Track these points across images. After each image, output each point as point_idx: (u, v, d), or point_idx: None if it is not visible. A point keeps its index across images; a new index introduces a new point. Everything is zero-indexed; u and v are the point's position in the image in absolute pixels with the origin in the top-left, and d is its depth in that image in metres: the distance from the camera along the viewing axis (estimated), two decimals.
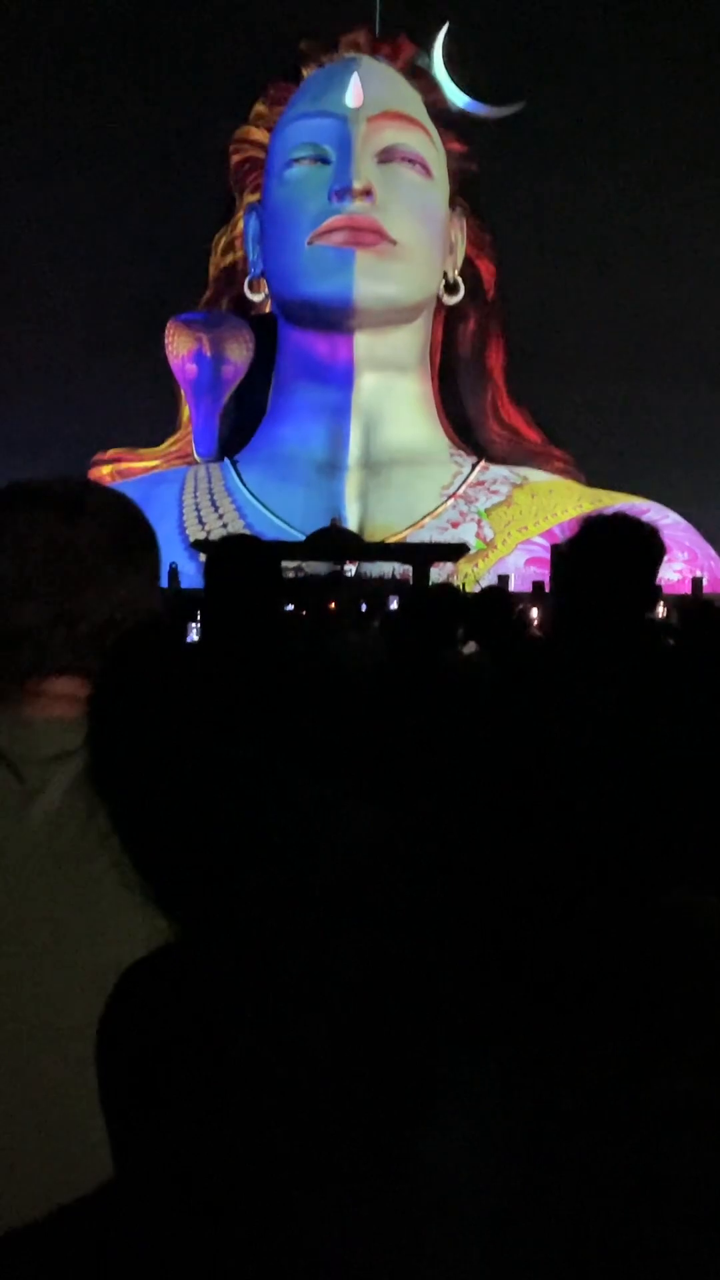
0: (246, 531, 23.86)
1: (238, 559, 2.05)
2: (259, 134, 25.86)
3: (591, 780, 1.26)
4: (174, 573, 21.65)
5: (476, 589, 22.24)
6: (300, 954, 0.92)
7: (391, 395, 25.35)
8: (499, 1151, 1.06)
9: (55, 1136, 1.03)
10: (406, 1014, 0.99)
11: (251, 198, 26.09)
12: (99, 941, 1.00)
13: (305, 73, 25.46)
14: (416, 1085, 1.03)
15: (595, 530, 2.04)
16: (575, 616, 2.07)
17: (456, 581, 22.59)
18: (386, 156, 24.24)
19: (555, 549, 20.42)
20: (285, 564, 21.39)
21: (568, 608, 2.14)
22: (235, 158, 26.24)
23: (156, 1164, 0.90)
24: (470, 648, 3.83)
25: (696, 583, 21.50)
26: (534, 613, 8.57)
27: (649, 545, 2.01)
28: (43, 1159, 1.04)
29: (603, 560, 2.00)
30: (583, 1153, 1.01)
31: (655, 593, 2.16)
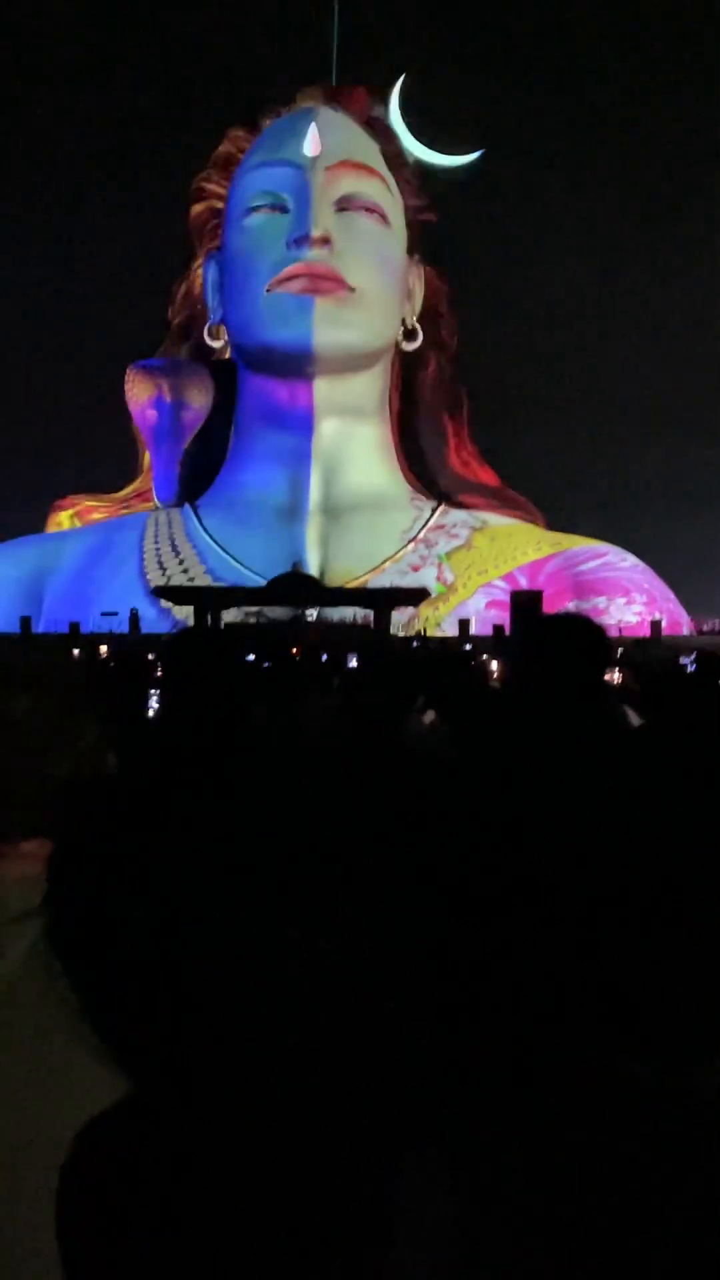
0: (209, 580, 23.87)
1: (196, 655, 2.06)
2: (217, 184, 26.08)
3: (553, 896, 1.28)
4: (134, 618, 21.60)
5: (438, 632, 22.28)
6: (256, 1110, 0.93)
7: (351, 440, 25.50)
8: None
9: None
10: (363, 1158, 1.00)
11: (210, 245, 26.27)
12: (56, 1104, 1.00)
13: (264, 123, 25.71)
14: (376, 1217, 1.04)
15: (541, 633, 2.06)
16: (530, 713, 2.09)
17: (418, 625, 22.65)
18: (344, 205, 24.49)
19: (514, 596, 20.51)
20: (246, 609, 21.40)
21: (522, 703, 2.17)
22: (194, 206, 26.43)
23: None
24: (429, 715, 3.85)
25: (655, 625, 21.65)
26: (494, 665, 8.60)
27: (595, 645, 2.04)
28: None
29: (550, 665, 2.02)
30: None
31: (602, 689, 2.19)
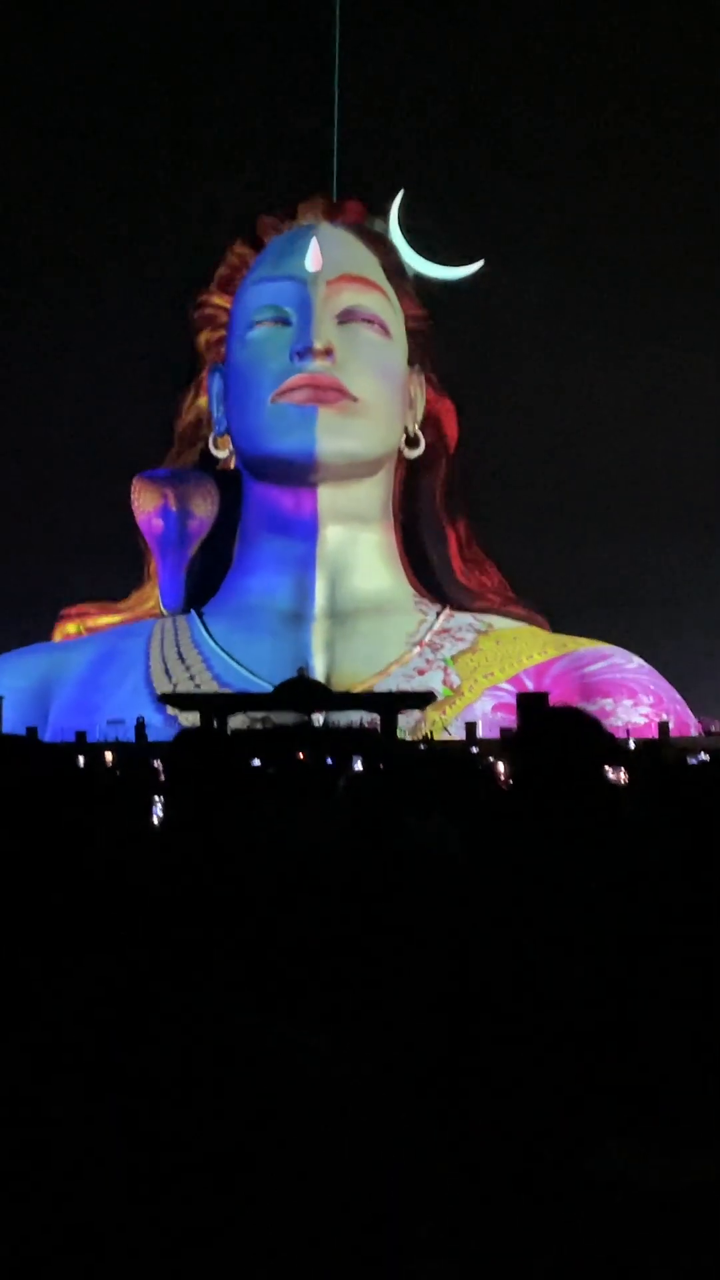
0: (215, 686, 23.89)
1: (197, 754, 2.07)
2: (221, 298, 26.59)
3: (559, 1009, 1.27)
4: (141, 726, 21.59)
5: (445, 735, 22.28)
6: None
7: (355, 546, 25.67)
8: None
9: None
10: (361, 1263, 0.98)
11: (214, 358, 26.72)
12: None
13: (265, 239, 26.29)
14: None
15: (538, 726, 2.07)
16: (533, 810, 2.09)
17: (425, 728, 22.61)
18: (345, 317, 24.94)
19: (520, 699, 20.49)
20: (252, 715, 21.37)
21: (525, 800, 2.17)
22: (198, 320, 26.93)
23: None
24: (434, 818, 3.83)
25: (663, 727, 21.60)
26: (501, 767, 8.60)
27: (590, 735, 2.04)
28: None
29: (547, 757, 2.03)
30: None
31: (602, 780, 2.19)
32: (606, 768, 2.12)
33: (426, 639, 25.16)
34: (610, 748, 2.15)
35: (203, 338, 26.96)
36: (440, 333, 26.78)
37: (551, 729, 2.06)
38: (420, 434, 26.66)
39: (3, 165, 28.02)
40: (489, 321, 27.40)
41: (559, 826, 2.10)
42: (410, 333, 26.36)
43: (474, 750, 15.86)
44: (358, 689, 23.32)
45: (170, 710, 22.18)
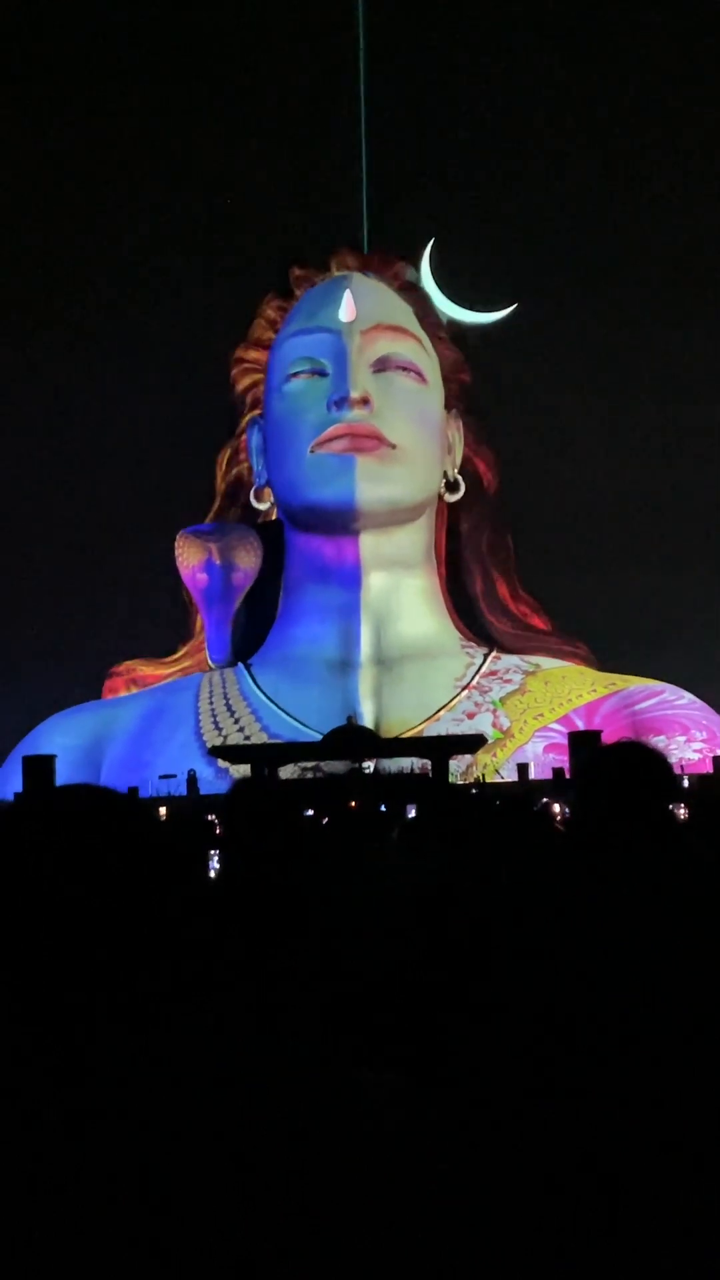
0: (265, 737, 23.89)
1: (253, 807, 2.06)
2: (257, 352, 26.83)
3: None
4: (192, 779, 21.61)
5: (497, 778, 22.19)
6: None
7: (399, 592, 25.70)
8: None
9: None
10: None
11: (253, 412, 26.94)
12: None
13: (298, 292, 26.54)
14: None
15: (600, 763, 2.04)
16: (597, 851, 2.07)
17: (476, 772, 22.51)
18: (381, 366, 25.09)
19: (572, 738, 20.35)
20: (303, 764, 21.35)
21: (587, 840, 2.15)
22: (236, 375, 27.18)
23: None
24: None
25: (717, 761, 21.41)
26: (555, 808, 8.54)
27: (658, 770, 2.01)
28: None
29: (613, 794, 2.00)
30: None
31: (669, 818, 2.16)
32: (669, 805, 2.10)
33: (474, 682, 25.10)
34: (674, 782, 2.13)
35: (241, 392, 27.21)
36: (476, 377, 26.90)
37: (617, 764, 2.05)
38: (460, 478, 26.73)
39: (40, 223, 28.53)
40: (525, 362, 27.49)
41: (622, 864, 2.08)
42: (446, 378, 26.48)
43: (527, 791, 15.79)
44: (407, 735, 23.28)
45: (221, 763, 22.20)
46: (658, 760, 2.03)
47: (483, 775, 22.29)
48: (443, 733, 22.95)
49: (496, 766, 22.70)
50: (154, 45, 29.07)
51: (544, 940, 1.96)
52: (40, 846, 1.17)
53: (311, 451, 24.62)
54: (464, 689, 24.87)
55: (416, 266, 27.36)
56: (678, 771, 18.94)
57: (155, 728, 24.54)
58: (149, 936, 1.22)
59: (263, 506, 26.81)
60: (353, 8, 27.82)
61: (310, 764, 21.26)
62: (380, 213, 27.88)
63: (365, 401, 24.43)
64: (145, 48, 29.06)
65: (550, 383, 27.73)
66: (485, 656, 25.85)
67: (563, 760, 20.82)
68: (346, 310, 25.08)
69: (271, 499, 26.53)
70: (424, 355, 25.94)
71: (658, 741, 22.34)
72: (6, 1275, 0.99)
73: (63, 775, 23.01)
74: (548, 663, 25.99)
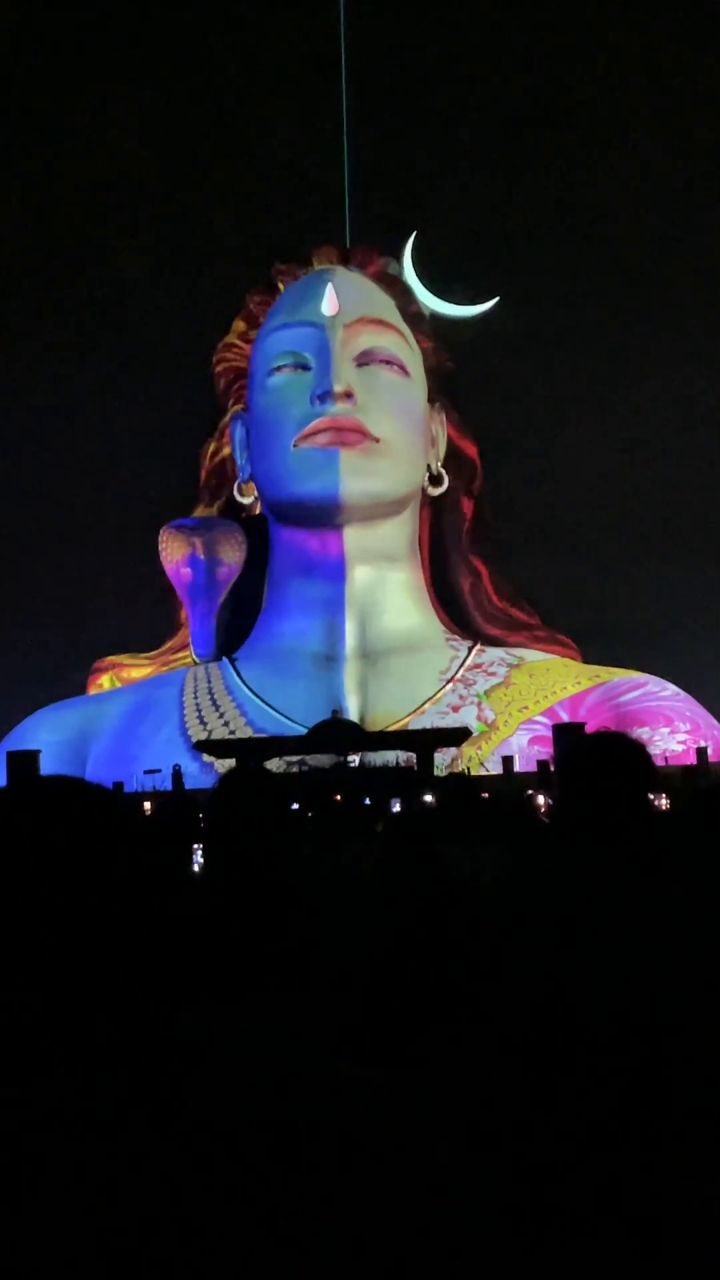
0: (250, 732, 23.88)
1: (242, 799, 2.07)
2: (240, 347, 26.79)
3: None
4: (177, 774, 21.56)
5: (481, 771, 22.20)
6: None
7: (383, 586, 25.71)
8: None
9: None
10: None
11: (236, 406, 26.90)
12: None
13: (281, 286, 26.50)
14: None
15: (581, 753, 2.05)
16: (580, 838, 2.08)
17: (461, 764, 22.51)
18: (364, 359, 25.08)
19: (556, 730, 20.38)
20: (289, 759, 21.34)
21: (564, 835, 2.16)
22: (219, 370, 27.13)
23: None
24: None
25: (701, 753, 21.46)
26: (540, 800, 8.55)
27: (636, 763, 2.02)
28: None
29: (592, 784, 2.01)
30: None
31: (647, 807, 2.17)
32: (650, 794, 2.11)
33: (459, 675, 25.13)
34: (652, 772, 2.14)
35: (224, 386, 27.16)
36: (461, 367, 26.91)
37: (596, 755, 2.06)
38: (443, 471, 26.75)
39: (22, 221, 28.42)
40: (507, 356, 27.50)
41: (606, 854, 2.09)
42: (429, 371, 26.48)
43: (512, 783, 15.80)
44: (392, 728, 23.29)
45: (206, 758, 22.18)
46: (636, 750, 2.04)
47: (468, 768, 22.31)
48: (428, 726, 22.96)
49: (481, 759, 22.73)
50: (136, 43, 28.98)
51: (529, 930, 1.96)
52: (22, 838, 1.16)
53: (295, 446, 24.61)
54: (449, 682, 24.91)
55: (399, 260, 27.36)
56: (661, 763, 18.99)
57: (140, 723, 24.51)
58: (133, 930, 1.22)
59: (246, 501, 26.79)
60: (334, 3, 27.79)
61: (295, 758, 21.26)
62: (362, 206, 27.87)
63: (348, 395, 24.42)
64: (127, 46, 28.96)
65: (534, 376, 27.74)
66: (470, 649, 25.88)
67: (547, 752, 20.86)
68: (329, 304, 25.06)
69: (255, 493, 26.51)
70: (407, 349, 25.95)
71: (642, 733, 22.39)
72: (6, 1275, 0.99)
73: (47, 770, 22.94)
74: (532, 655, 26.04)
